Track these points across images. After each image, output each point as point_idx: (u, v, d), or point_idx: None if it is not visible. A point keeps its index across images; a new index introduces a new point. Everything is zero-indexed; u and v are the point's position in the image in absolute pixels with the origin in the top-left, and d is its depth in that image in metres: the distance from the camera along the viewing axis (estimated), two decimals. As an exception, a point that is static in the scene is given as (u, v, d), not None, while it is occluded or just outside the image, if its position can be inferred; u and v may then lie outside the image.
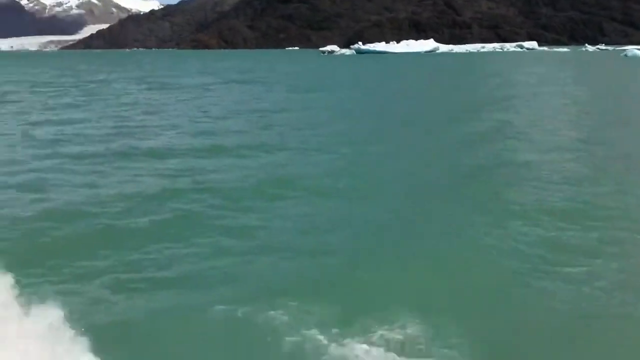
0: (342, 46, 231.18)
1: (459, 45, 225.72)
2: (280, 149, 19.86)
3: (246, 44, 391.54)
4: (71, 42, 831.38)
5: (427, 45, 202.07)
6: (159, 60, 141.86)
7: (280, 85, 51.77)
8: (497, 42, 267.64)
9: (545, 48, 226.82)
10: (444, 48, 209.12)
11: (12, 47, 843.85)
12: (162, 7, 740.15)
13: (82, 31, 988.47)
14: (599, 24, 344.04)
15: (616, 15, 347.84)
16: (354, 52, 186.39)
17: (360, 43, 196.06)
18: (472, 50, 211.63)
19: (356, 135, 22.98)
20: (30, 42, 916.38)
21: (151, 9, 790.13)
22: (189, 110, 32.20)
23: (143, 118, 28.93)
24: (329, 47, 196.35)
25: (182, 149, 20.05)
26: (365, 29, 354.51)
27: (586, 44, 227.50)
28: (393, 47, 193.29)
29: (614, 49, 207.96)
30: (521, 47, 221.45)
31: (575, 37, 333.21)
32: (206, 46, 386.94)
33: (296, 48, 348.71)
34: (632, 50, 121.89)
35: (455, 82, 58.40)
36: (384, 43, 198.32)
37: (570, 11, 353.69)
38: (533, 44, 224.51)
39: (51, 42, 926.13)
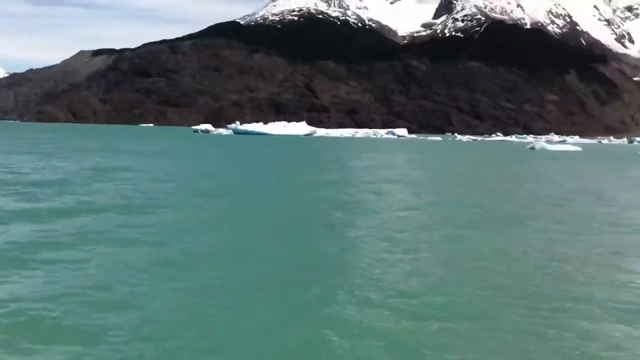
0: (199, 123, 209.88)
1: (335, 130, 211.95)
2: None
3: (97, 118, 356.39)
4: None
5: (304, 128, 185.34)
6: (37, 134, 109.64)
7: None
8: (353, 127, 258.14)
9: (414, 136, 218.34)
10: (321, 132, 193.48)
11: None
12: (7, 75, 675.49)
13: None
14: (447, 114, 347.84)
15: (463, 106, 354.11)
16: (231, 131, 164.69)
17: (237, 122, 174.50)
18: (347, 135, 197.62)
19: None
20: None
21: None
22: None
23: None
24: (202, 126, 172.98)
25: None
26: (224, 108, 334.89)
27: (455, 134, 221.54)
28: (271, 128, 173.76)
29: (482, 139, 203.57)
30: (393, 134, 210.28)
31: (423, 126, 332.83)
32: (53, 119, 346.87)
33: (150, 125, 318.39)
34: (540, 142, 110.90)
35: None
36: (261, 124, 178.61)
37: (422, 100, 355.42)
38: (403, 132, 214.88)
39: None
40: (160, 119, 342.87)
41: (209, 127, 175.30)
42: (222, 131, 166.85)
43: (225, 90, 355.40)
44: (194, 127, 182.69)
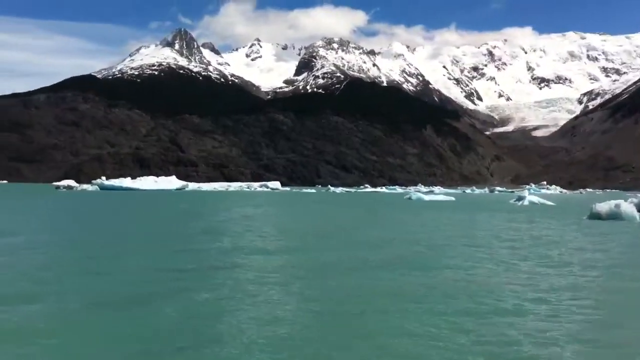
0: (58, 179, 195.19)
1: (206, 184, 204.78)
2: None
3: None
4: None
5: (175, 182, 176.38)
6: None
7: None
8: (223, 181, 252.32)
9: (287, 188, 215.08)
10: (192, 186, 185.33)
11: None
12: None
13: None
14: (315, 167, 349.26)
15: (330, 159, 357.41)
16: (97, 187, 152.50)
17: (103, 178, 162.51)
18: (220, 189, 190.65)
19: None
20: None
21: None
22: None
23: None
24: (65, 182, 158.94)
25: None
26: (84, 163, 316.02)
27: (329, 186, 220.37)
28: (140, 183, 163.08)
29: (355, 190, 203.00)
30: (266, 187, 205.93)
31: (293, 178, 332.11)
32: None
33: (4, 182, 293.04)
34: (416, 193, 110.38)
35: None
36: (129, 179, 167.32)
37: (290, 154, 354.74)
38: (277, 184, 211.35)
39: None
40: (16, 176, 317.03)
41: (72, 182, 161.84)
42: (87, 187, 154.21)
43: (84, 145, 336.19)
44: (55, 183, 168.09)
